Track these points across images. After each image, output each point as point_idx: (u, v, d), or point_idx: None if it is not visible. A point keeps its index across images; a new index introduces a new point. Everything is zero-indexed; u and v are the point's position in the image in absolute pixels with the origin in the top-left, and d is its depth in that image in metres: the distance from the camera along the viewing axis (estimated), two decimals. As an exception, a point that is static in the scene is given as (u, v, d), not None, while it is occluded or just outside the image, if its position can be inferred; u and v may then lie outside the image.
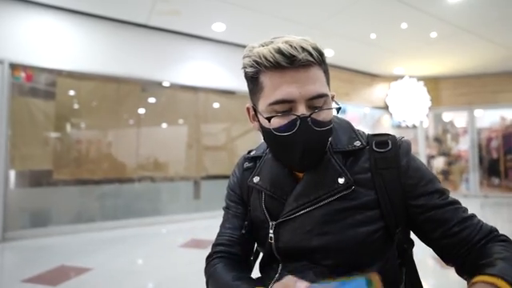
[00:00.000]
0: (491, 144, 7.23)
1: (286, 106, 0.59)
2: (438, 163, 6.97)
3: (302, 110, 0.58)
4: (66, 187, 3.69)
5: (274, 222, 0.67)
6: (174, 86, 4.36)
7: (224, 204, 0.81)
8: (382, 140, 0.67)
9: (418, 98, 6.26)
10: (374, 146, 0.66)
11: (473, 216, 0.63)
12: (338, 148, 0.66)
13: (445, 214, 0.61)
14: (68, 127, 3.80)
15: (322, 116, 0.60)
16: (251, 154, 0.80)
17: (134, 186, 4.15)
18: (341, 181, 0.62)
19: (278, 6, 3.51)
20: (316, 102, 0.60)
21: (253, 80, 0.64)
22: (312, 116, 0.59)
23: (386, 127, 6.35)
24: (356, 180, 0.63)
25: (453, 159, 7.15)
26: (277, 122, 0.60)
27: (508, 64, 5.58)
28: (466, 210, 0.63)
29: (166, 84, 4.29)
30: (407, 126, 6.46)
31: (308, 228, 0.63)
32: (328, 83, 0.64)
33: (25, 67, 3.42)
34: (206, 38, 4.44)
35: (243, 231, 0.73)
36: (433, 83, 6.33)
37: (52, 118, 3.63)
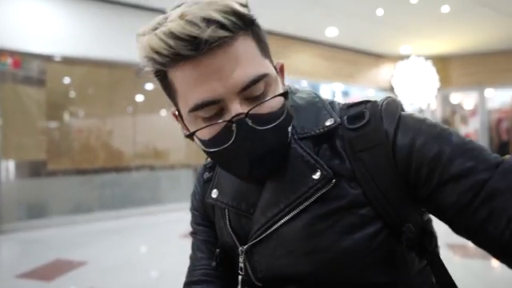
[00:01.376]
0: (501, 125, 7.02)
1: (212, 108, 0.42)
2: (446, 146, 6.82)
3: (235, 108, 0.41)
4: (62, 177, 3.59)
5: (242, 248, 0.51)
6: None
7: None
8: (355, 113, 0.49)
9: (425, 79, 6.03)
10: (345, 123, 0.48)
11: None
12: (304, 133, 0.49)
13: (461, 187, 0.40)
14: (61, 115, 3.67)
15: (268, 105, 0.43)
16: (208, 163, 0.63)
17: (132, 174, 4.04)
18: (315, 176, 0.46)
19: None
20: (254, 90, 0.42)
21: (161, 81, 0.46)
22: (250, 113, 0.41)
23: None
24: (336, 171, 0.46)
25: (461, 142, 6.99)
26: (206, 134, 0.44)
27: (522, 40, 5.30)
28: (506, 174, 0.39)
29: (161, 68, 4.11)
30: (413, 109, 6.27)
31: (288, 248, 0.47)
32: (266, 52, 0.45)
33: (12, 52, 3.26)
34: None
35: (214, 263, 0.55)
36: (441, 63, 6.08)
37: (43, 106, 3.49)
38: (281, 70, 0.51)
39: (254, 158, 0.44)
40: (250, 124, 0.41)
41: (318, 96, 0.54)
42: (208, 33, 0.38)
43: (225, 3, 0.39)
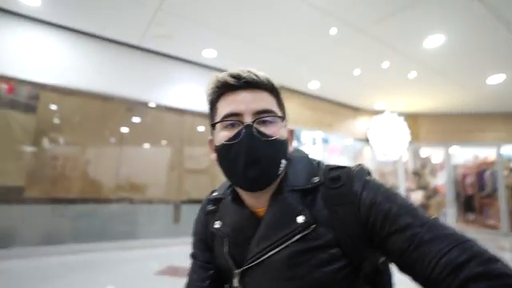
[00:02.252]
0: (466, 180, 7.52)
1: (234, 118, 0.63)
2: (417, 196, 7.14)
3: (248, 120, 0.62)
4: (38, 205, 3.49)
5: (238, 271, 0.65)
6: (160, 107, 4.36)
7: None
8: (334, 175, 0.65)
9: (398, 133, 6.51)
10: (327, 183, 0.64)
11: (454, 245, 0.50)
12: (295, 186, 0.64)
13: (419, 253, 0.52)
14: (46, 142, 3.67)
15: (270, 130, 0.63)
16: (214, 194, 0.78)
17: (111, 206, 3.98)
18: (299, 220, 0.60)
19: (269, 37, 3.67)
20: (263, 116, 0.63)
21: (212, 106, 0.70)
22: (256, 125, 0.62)
23: (367, 159, 6.51)
24: (316, 218, 0.61)
25: (431, 193, 7.36)
26: (225, 135, 0.64)
27: (478, 106, 5.96)
28: (435, 227, 0.53)
29: (152, 104, 4.28)
30: (387, 160, 6.65)
31: (273, 274, 0.61)
32: (281, 110, 0.68)
33: (8, 79, 3.34)
34: (196, 63, 4.52)
35: (207, 282, 0.71)
36: (412, 119, 6.63)
37: (31, 132, 3.50)
38: (290, 134, 0.71)
39: (249, 158, 0.60)
40: (255, 132, 0.61)
41: (309, 158, 0.72)
42: (247, 75, 0.64)
43: (266, 74, 0.66)
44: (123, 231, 3.91)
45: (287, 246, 0.60)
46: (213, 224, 0.72)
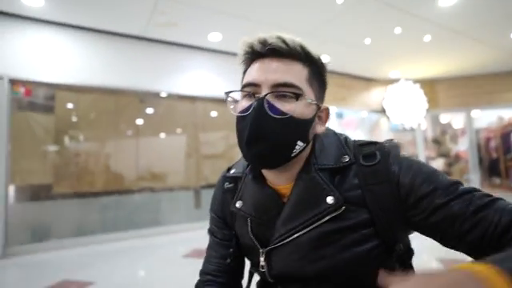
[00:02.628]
0: (490, 144, 7.25)
1: (252, 89, 0.59)
2: (438, 164, 6.98)
3: (264, 93, 0.57)
4: (67, 200, 3.68)
5: (263, 250, 0.64)
6: (171, 96, 4.39)
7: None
8: (369, 152, 0.61)
9: (414, 101, 6.31)
10: (361, 160, 0.60)
11: (492, 202, 0.51)
12: (323, 165, 0.61)
13: (451, 210, 0.51)
14: (67, 140, 3.81)
15: (287, 107, 0.56)
16: (231, 172, 0.75)
17: (134, 197, 4.14)
18: (329, 200, 0.57)
19: (273, 14, 3.56)
20: (282, 90, 0.57)
21: (243, 73, 0.65)
22: (271, 99, 0.56)
23: (384, 130, 6.38)
24: (346, 198, 0.58)
25: (452, 160, 7.17)
26: (241, 106, 0.60)
27: (502, 64, 5.63)
28: (483, 196, 0.52)
29: (163, 94, 4.32)
30: (405, 129, 6.49)
31: (301, 254, 0.59)
32: (313, 85, 0.61)
33: (24, 82, 3.45)
34: (203, 48, 4.48)
35: (228, 260, 0.71)
36: (429, 85, 6.38)
37: (51, 132, 3.64)
38: (325, 113, 0.65)
39: (252, 134, 0.56)
40: (266, 106, 0.56)
41: (338, 136, 0.67)
42: (274, 41, 0.57)
43: (299, 40, 0.59)
44: (148, 219, 4.08)
45: (316, 226, 0.58)
46: (234, 203, 0.68)
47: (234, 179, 0.74)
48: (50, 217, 3.58)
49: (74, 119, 3.90)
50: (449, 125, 7.56)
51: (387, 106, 6.35)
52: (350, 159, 0.61)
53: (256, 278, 0.74)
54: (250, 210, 0.65)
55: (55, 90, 3.68)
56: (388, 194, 0.57)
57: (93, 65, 3.78)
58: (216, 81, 4.60)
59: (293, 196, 0.60)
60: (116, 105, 4.11)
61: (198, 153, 4.65)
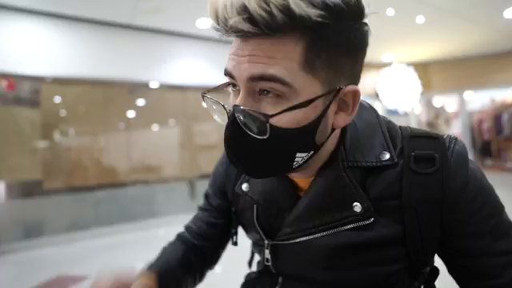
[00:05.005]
0: (482, 126, 7.31)
1: (231, 80, 0.43)
2: (432, 148, 7.03)
3: (237, 98, 0.41)
4: (58, 196, 3.61)
5: (269, 242, 0.54)
6: (161, 87, 4.29)
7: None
8: (425, 154, 0.45)
9: (408, 84, 6.28)
10: (411, 163, 0.45)
11: None
12: (355, 161, 0.46)
13: (488, 263, 0.43)
14: (56, 134, 3.72)
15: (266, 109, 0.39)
16: None
17: (128, 190, 4.09)
18: (356, 208, 0.45)
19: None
20: (261, 87, 0.39)
21: None
22: (240, 113, 0.39)
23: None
24: (378, 208, 0.45)
25: (446, 143, 7.23)
26: (231, 101, 0.45)
27: (495, 45, 5.61)
28: None
29: (153, 84, 4.22)
30: (398, 114, 6.49)
31: (311, 259, 0.50)
32: (311, 68, 0.38)
33: (6, 75, 3.33)
34: (192, 36, 4.37)
35: (214, 231, 0.65)
36: (422, 68, 6.35)
37: (38, 126, 3.54)
38: (352, 97, 0.44)
39: (231, 152, 0.43)
40: (239, 121, 0.40)
41: (378, 119, 0.50)
42: (232, 22, 0.36)
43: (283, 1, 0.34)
44: (143, 212, 4.04)
45: (334, 233, 0.47)
46: (239, 184, 0.57)
47: None
48: (43, 213, 3.52)
49: (62, 112, 3.79)
50: (442, 108, 7.59)
51: (380, 91, 6.31)
52: (391, 158, 0.45)
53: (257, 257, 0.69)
54: (257, 197, 0.54)
55: (40, 82, 3.56)
56: (435, 214, 0.44)
57: (78, 56, 3.66)
58: (207, 69, 4.50)
59: (312, 192, 0.48)
60: (105, 97, 4.01)
61: (191, 143, 4.59)
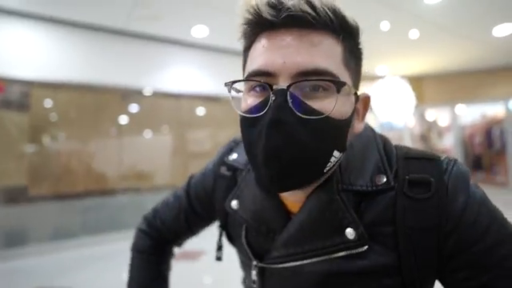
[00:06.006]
0: (474, 140, 7.41)
1: (263, 79, 0.40)
2: (424, 161, 7.08)
3: (283, 84, 0.39)
4: (44, 202, 3.50)
5: (256, 263, 0.51)
6: (155, 94, 4.25)
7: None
8: (420, 178, 0.42)
9: (402, 97, 6.34)
10: (405, 187, 0.42)
11: None
12: (349, 185, 0.43)
13: None
14: (44, 139, 3.63)
15: (320, 104, 0.38)
16: (231, 158, 0.58)
17: (118, 198, 3.99)
18: (349, 234, 0.41)
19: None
20: (310, 79, 0.38)
21: (244, 52, 0.45)
22: (293, 90, 0.38)
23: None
24: (372, 234, 0.42)
25: (438, 156, 7.29)
26: (250, 103, 0.42)
27: (486, 60, 5.73)
28: None
29: (147, 91, 4.17)
30: (392, 128, 6.53)
31: (300, 285, 0.47)
32: (350, 67, 0.42)
33: (-4, 78, 3.25)
34: (188, 44, 4.36)
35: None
36: (416, 81, 6.44)
37: (26, 131, 3.45)
38: (364, 104, 0.46)
39: (272, 147, 0.38)
40: (288, 102, 0.37)
41: (375, 138, 0.48)
42: (293, 3, 0.37)
43: (330, 2, 0.40)
44: (133, 220, 3.92)
45: (325, 260, 0.44)
46: (229, 200, 0.54)
47: (234, 169, 0.58)
48: (28, 220, 3.39)
49: (52, 117, 3.71)
50: (435, 122, 7.68)
51: (374, 104, 6.36)
52: (388, 181, 0.42)
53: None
54: (246, 215, 0.52)
55: (30, 86, 3.49)
56: (431, 244, 0.40)
57: (71, 60, 3.61)
58: (202, 77, 4.48)
59: (303, 214, 0.45)
60: (96, 102, 3.94)
61: (184, 151, 4.53)
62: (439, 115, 7.55)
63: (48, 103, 3.67)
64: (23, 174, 3.40)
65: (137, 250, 0.71)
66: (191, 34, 4.04)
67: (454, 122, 6.64)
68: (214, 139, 4.75)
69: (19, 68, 3.31)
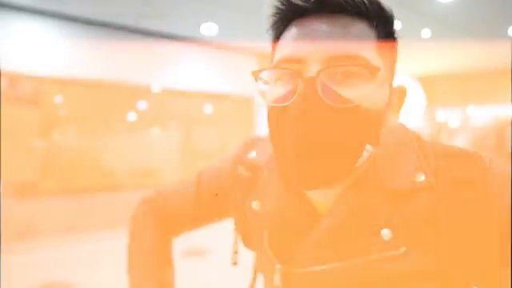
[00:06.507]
0: (485, 142, 7.26)
1: (291, 65, 0.38)
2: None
3: (312, 71, 0.36)
4: (54, 197, 3.55)
5: (281, 268, 0.46)
6: (164, 91, 4.27)
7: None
8: (462, 177, 0.39)
9: (414, 97, 6.25)
10: (447, 185, 0.39)
11: None
12: (385, 183, 0.41)
13: None
14: (54, 135, 3.68)
15: (351, 92, 0.36)
16: (250, 156, 0.55)
17: (126, 194, 4.03)
18: (385, 235, 0.39)
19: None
20: (341, 65, 0.36)
21: (273, 46, 0.44)
22: (326, 79, 0.36)
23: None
24: (409, 235, 0.39)
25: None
26: (277, 92, 0.39)
27: (499, 62, 5.60)
28: None
29: (155, 88, 4.20)
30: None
31: None
32: (383, 55, 0.40)
33: (6, 74, 3.30)
34: (197, 41, 4.36)
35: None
36: (427, 82, 6.34)
37: (37, 126, 3.50)
38: (399, 96, 0.44)
39: (303, 140, 0.37)
40: (319, 90, 0.35)
41: (409, 133, 0.45)
42: None
43: None
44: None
45: (358, 263, 0.41)
46: (249, 201, 0.51)
47: (253, 168, 0.54)
48: (39, 214, 3.45)
49: (62, 113, 3.76)
50: (445, 123, 7.56)
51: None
52: (427, 179, 0.39)
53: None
54: (269, 217, 0.48)
55: (41, 82, 3.54)
56: (475, 248, 0.38)
57: (81, 57, 3.65)
58: (210, 75, 4.48)
59: (333, 214, 0.42)
60: (107, 98, 3.98)
61: (192, 148, 4.55)
62: (450, 115, 7.43)
63: (58, 99, 3.72)
64: (33, 169, 3.46)
65: (139, 234, 0.67)
66: (200, 31, 4.05)
67: (466, 124, 6.51)
68: (222, 137, 4.76)
69: (30, 64, 3.36)
